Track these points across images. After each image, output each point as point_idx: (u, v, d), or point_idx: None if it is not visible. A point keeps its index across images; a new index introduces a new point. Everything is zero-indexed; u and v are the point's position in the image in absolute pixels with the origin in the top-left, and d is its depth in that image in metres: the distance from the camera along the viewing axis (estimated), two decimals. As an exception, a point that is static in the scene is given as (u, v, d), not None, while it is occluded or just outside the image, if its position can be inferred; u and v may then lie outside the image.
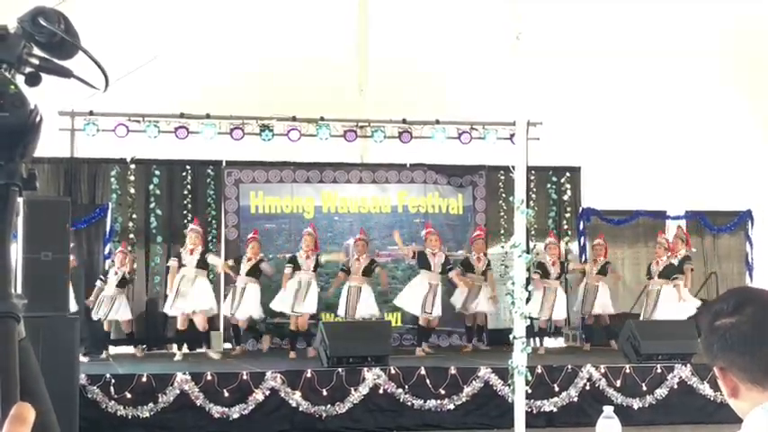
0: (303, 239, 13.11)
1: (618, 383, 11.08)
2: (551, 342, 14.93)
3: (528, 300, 10.22)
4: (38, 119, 1.31)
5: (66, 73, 1.39)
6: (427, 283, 13.25)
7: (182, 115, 14.23)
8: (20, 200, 1.27)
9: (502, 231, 15.18)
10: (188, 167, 14.62)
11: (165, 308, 13.10)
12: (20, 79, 1.34)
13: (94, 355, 12.68)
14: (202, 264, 12.89)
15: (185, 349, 12.92)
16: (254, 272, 13.11)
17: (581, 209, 15.87)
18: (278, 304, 13.05)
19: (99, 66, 1.39)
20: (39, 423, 1.13)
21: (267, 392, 10.32)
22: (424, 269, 13.39)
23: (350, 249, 13.93)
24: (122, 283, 13.03)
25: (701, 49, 13.31)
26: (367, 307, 13.05)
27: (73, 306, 12.39)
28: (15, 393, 1.12)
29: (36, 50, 1.36)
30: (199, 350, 13.22)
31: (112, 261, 13.44)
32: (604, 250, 14.40)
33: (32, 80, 1.36)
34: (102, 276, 13.16)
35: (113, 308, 12.87)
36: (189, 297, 12.69)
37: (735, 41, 14.11)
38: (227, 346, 13.79)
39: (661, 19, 13.06)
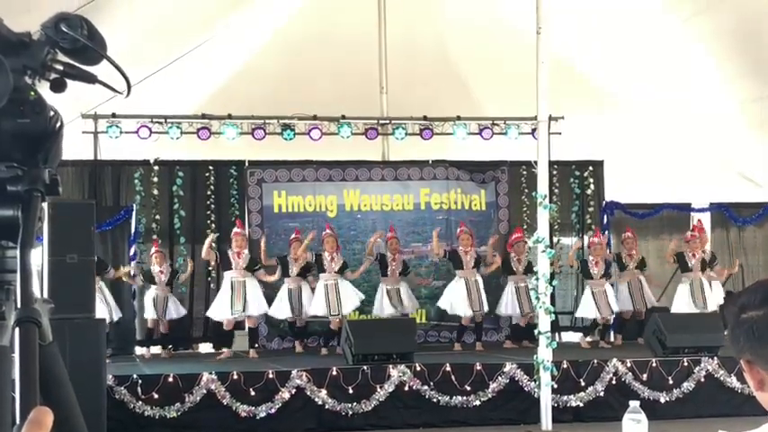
0: (325, 241, 13.14)
1: (644, 377, 11.03)
2: (574, 337, 14.90)
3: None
4: (58, 124, 1.32)
5: (90, 78, 1.40)
6: (463, 281, 13.31)
7: (203, 116, 14.28)
8: (44, 205, 1.28)
9: (525, 227, 15.13)
10: (211, 168, 14.67)
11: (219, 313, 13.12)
12: (45, 85, 1.35)
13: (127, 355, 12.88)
14: (251, 266, 12.93)
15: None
16: (304, 272, 13.25)
17: (604, 203, 15.80)
18: (312, 309, 13.11)
19: (121, 71, 1.40)
20: (61, 428, 1.14)
21: (293, 391, 10.34)
22: (458, 269, 13.44)
23: (373, 246, 13.93)
24: (170, 282, 13.19)
25: (724, 41, 13.20)
26: (409, 304, 13.30)
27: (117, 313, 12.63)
28: (34, 397, 1.13)
29: (61, 56, 1.36)
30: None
31: (140, 261, 13.61)
32: (636, 243, 14.34)
33: (57, 86, 1.36)
34: (142, 280, 13.30)
35: (167, 308, 13.02)
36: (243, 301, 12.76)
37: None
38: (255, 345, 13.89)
39: (684, 11, 12.97)
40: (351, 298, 13.01)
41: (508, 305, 13.76)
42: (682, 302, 13.67)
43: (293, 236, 13.40)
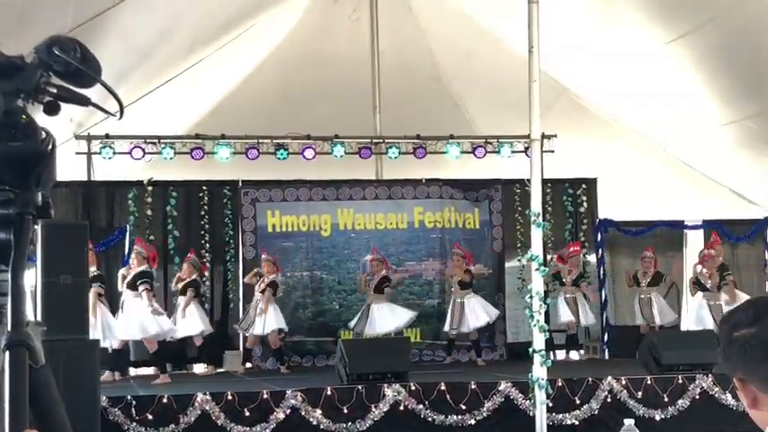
0: (263, 265, 13.38)
1: (639, 395, 11.01)
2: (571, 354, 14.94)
3: None
4: (50, 147, 1.32)
5: (84, 101, 1.40)
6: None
7: (197, 136, 14.28)
8: (36, 227, 1.28)
9: (519, 245, 15.15)
10: (204, 188, 14.66)
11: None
12: (38, 108, 1.35)
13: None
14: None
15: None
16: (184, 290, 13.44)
17: (598, 220, 15.82)
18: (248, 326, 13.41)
19: (113, 94, 1.40)
20: None
21: (288, 411, 10.30)
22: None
23: (367, 266, 13.97)
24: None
25: (712, 61, 13.24)
26: (383, 324, 13.34)
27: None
28: (24, 421, 1.13)
29: (54, 79, 1.36)
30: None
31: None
32: (654, 262, 14.74)
33: (51, 109, 1.36)
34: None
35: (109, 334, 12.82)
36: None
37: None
38: (248, 365, 13.89)
39: (675, 34, 13.01)
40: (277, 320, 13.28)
41: (563, 314, 14.52)
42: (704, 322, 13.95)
43: (189, 255, 13.62)
